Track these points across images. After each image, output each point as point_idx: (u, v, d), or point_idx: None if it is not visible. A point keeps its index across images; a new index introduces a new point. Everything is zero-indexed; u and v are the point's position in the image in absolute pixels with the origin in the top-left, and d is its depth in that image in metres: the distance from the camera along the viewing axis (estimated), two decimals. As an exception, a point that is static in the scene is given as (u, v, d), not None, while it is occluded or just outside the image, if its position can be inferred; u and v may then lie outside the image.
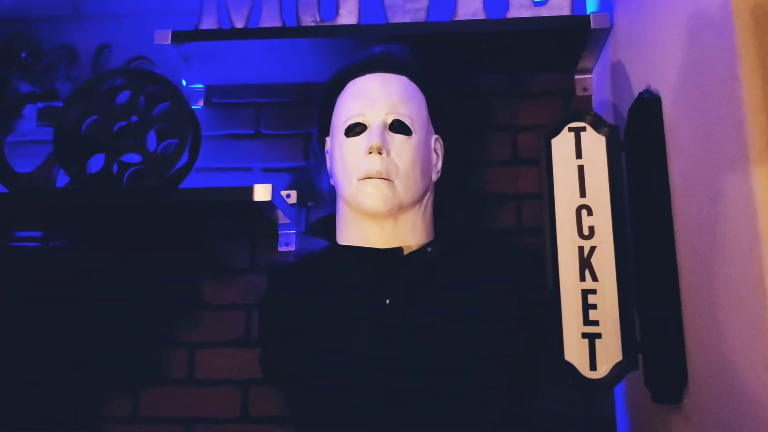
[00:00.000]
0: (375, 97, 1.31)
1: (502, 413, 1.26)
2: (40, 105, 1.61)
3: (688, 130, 1.05)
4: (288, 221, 1.58)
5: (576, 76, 1.66)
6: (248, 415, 1.56)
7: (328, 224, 1.40)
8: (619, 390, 1.46)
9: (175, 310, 1.62)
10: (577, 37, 1.50)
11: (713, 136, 0.95)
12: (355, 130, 1.31)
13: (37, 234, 1.70)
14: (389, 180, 1.27)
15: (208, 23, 1.57)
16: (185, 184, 1.53)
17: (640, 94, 1.19)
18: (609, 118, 1.42)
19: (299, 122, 1.71)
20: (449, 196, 1.43)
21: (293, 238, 1.63)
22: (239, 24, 1.56)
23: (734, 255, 0.90)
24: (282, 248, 1.63)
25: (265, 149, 1.71)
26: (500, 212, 1.63)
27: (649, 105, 1.15)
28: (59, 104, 1.57)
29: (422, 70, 1.37)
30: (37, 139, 1.68)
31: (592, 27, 1.45)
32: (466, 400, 1.22)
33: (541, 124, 1.64)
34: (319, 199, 1.65)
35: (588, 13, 1.57)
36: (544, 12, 1.51)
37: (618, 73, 1.43)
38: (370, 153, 1.26)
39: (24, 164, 1.59)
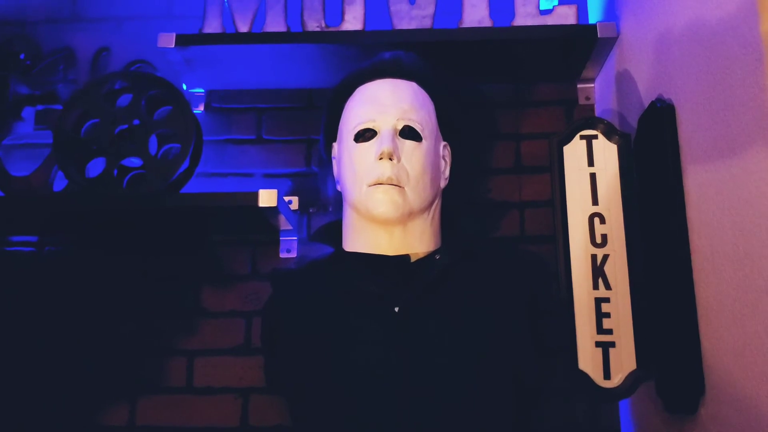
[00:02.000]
0: (386, 103, 1.30)
1: (511, 423, 1.24)
2: (39, 107, 1.58)
3: (705, 139, 1.05)
4: (290, 228, 1.56)
5: (579, 85, 1.66)
6: (248, 425, 1.54)
7: (333, 231, 1.39)
8: (624, 401, 1.46)
9: (173, 317, 1.60)
10: (582, 46, 1.50)
11: (735, 145, 0.95)
12: (365, 135, 1.30)
13: (33, 239, 1.66)
14: (400, 186, 1.25)
15: (212, 27, 1.55)
16: (185, 189, 1.51)
17: (653, 102, 1.19)
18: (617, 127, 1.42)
19: (301, 128, 1.70)
20: (456, 204, 1.43)
21: (295, 245, 1.61)
22: (243, 28, 1.55)
23: (753, 262, 0.90)
24: (283, 255, 1.61)
25: (266, 155, 1.69)
26: (503, 220, 1.62)
27: (662, 114, 1.15)
28: (59, 107, 1.54)
29: (432, 76, 1.36)
30: (34, 143, 1.66)
31: (598, 36, 1.45)
32: (476, 410, 1.21)
33: (544, 132, 1.64)
34: (321, 205, 1.64)
35: (592, 22, 1.58)
36: (549, 21, 1.51)
37: (624, 82, 1.43)
38: (381, 159, 1.25)
39: (20, 167, 1.56)
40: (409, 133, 1.29)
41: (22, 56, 1.61)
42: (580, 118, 1.39)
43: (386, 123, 1.28)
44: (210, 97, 1.73)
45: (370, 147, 1.28)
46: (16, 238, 1.66)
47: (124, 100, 1.50)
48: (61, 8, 1.80)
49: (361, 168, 1.28)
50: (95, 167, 1.48)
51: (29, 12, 1.79)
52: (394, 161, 1.25)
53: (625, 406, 1.47)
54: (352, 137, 1.30)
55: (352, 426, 1.21)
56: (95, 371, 1.56)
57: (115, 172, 1.46)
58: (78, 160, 1.47)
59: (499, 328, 1.25)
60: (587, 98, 1.66)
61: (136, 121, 1.47)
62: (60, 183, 1.54)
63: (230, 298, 1.61)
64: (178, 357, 1.58)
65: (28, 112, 1.58)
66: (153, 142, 1.48)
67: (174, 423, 1.54)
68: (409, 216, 1.27)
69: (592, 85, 1.66)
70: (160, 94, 1.49)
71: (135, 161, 1.47)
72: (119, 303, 1.60)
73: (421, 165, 1.28)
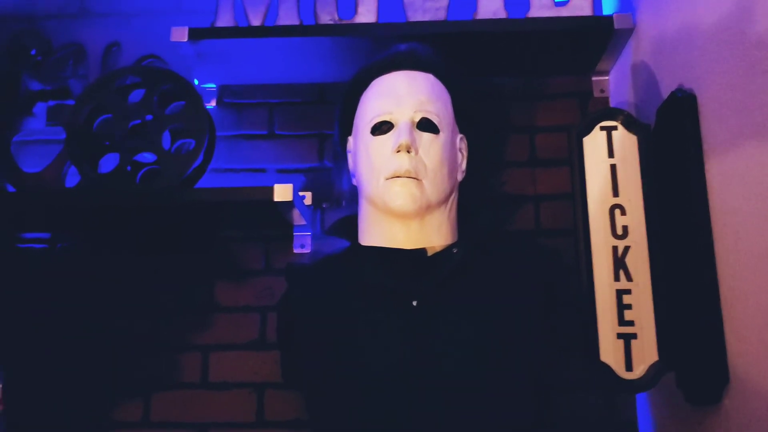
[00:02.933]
0: (402, 95, 1.28)
1: (531, 416, 1.24)
2: (51, 103, 1.57)
3: (728, 128, 1.04)
4: (304, 222, 1.55)
5: (593, 78, 1.65)
6: (264, 419, 1.53)
7: (349, 225, 1.38)
8: (641, 393, 1.45)
9: (187, 313, 1.59)
10: (598, 38, 1.49)
11: (760, 134, 0.94)
12: (382, 128, 1.28)
13: (45, 235, 1.65)
14: (417, 179, 1.24)
15: (225, 21, 1.54)
16: (199, 185, 1.50)
17: (673, 93, 1.18)
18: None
19: (314, 123, 1.69)
20: (473, 197, 1.42)
21: (309, 240, 1.61)
22: (256, 22, 1.54)
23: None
24: (297, 250, 1.60)
25: (278, 150, 1.68)
26: (518, 214, 1.61)
27: (684, 103, 1.14)
28: (71, 102, 1.54)
29: (448, 68, 1.35)
30: (46, 138, 1.65)
31: (615, 27, 1.44)
32: (495, 402, 1.20)
33: (559, 125, 1.64)
34: (335, 200, 1.63)
35: (607, 13, 1.57)
36: (564, 12, 1.50)
37: (641, 73, 1.42)
38: (399, 151, 1.24)
39: (32, 164, 1.55)
40: (426, 125, 1.28)
41: (33, 52, 1.60)
42: (599, 109, 1.37)
43: (403, 115, 1.27)
44: (222, 92, 1.72)
45: (387, 140, 1.27)
46: (28, 235, 1.66)
47: (137, 95, 1.49)
48: (70, 3, 1.79)
49: (378, 161, 1.27)
50: (108, 163, 1.47)
51: (39, 7, 1.78)
52: (412, 154, 1.24)
53: (642, 399, 1.46)
54: (369, 130, 1.29)
55: (370, 420, 1.21)
56: (110, 368, 1.56)
57: (129, 167, 1.45)
58: (91, 155, 1.46)
59: (516, 321, 1.24)
60: (602, 91, 1.65)
61: (149, 116, 1.46)
62: (72, 179, 1.53)
63: (244, 294, 1.60)
64: (193, 352, 1.58)
65: (39, 108, 1.57)
66: (166, 138, 1.47)
67: (189, 419, 1.54)
68: (426, 209, 1.26)
69: (607, 77, 1.65)
70: (172, 88, 1.48)
71: (148, 156, 1.46)
72: (133, 299, 1.60)
73: (438, 157, 1.27)
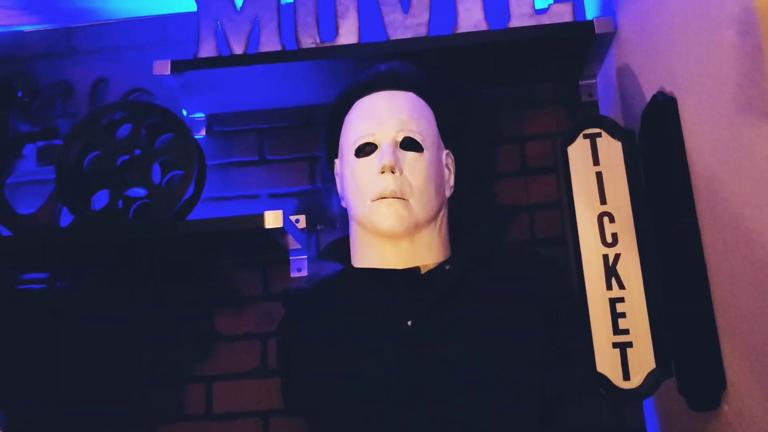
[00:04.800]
0: (384, 116, 1.28)
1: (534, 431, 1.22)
2: (39, 144, 1.58)
3: (708, 130, 1.03)
4: (299, 246, 1.55)
5: (581, 82, 1.64)
6: (270, 448, 1.52)
7: (341, 247, 1.38)
8: (648, 400, 1.43)
9: (188, 344, 1.60)
10: (581, 44, 1.49)
11: (737, 134, 0.93)
12: (366, 150, 1.28)
13: (43, 275, 1.66)
14: (404, 199, 1.24)
15: (207, 51, 1.55)
16: (192, 215, 1.51)
17: (655, 96, 1.17)
18: (618, 122, 1.40)
19: (303, 146, 1.69)
20: (464, 212, 1.41)
21: (305, 264, 1.60)
22: (238, 50, 1.54)
23: (767, 253, 0.88)
24: (294, 274, 1.60)
25: (270, 175, 1.68)
26: (512, 224, 1.60)
27: (665, 107, 1.13)
28: (59, 142, 1.55)
29: (429, 85, 1.35)
30: (38, 179, 1.66)
31: (596, 32, 1.43)
32: (496, 420, 1.19)
33: (549, 132, 1.63)
34: (329, 221, 1.63)
35: (589, 18, 1.56)
36: (546, 20, 1.49)
37: (625, 77, 1.41)
38: (383, 172, 1.24)
39: (26, 205, 1.57)
40: (410, 144, 1.27)
41: (20, 94, 1.61)
42: (581, 118, 1.37)
43: (386, 136, 1.27)
44: (211, 121, 1.73)
45: (371, 161, 1.27)
46: (27, 276, 1.66)
47: (125, 130, 1.50)
48: (57, 42, 1.80)
49: (364, 183, 1.27)
50: (101, 199, 1.48)
51: (26, 48, 1.80)
52: (397, 174, 1.24)
53: (649, 406, 1.44)
54: (353, 152, 1.29)
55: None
56: (114, 402, 1.56)
57: (120, 203, 1.46)
58: (82, 193, 1.46)
59: (515, 336, 1.23)
60: (590, 95, 1.64)
61: (137, 151, 1.47)
62: (66, 218, 1.54)
63: (244, 321, 1.60)
64: (196, 383, 1.58)
65: (29, 149, 1.58)
66: (156, 171, 1.48)
67: (195, 451, 1.54)
68: (415, 228, 1.26)
69: (594, 81, 1.64)
70: (159, 122, 1.49)
71: (139, 191, 1.47)
72: (134, 333, 1.60)
73: (424, 176, 1.26)
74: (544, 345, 1.24)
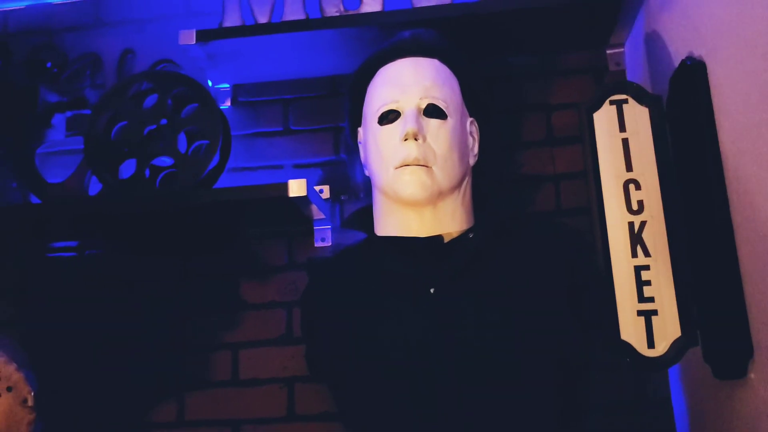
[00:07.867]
0: (407, 82, 1.27)
1: (557, 401, 1.22)
2: (68, 114, 1.60)
3: (737, 94, 1.01)
4: (323, 216, 1.56)
5: (608, 51, 1.61)
6: (295, 414, 1.54)
7: (365, 216, 1.38)
8: (674, 369, 1.42)
9: (215, 312, 1.61)
10: (608, 9, 1.46)
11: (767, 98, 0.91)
12: (389, 117, 1.28)
13: (73, 244, 1.69)
14: (427, 166, 1.23)
15: (232, 20, 1.55)
16: (217, 185, 1.52)
17: (683, 61, 1.15)
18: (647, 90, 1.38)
19: (328, 116, 1.69)
20: (487, 181, 1.40)
21: (329, 233, 1.61)
22: (263, 19, 1.54)
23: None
24: (318, 244, 1.61)
25: (294, 145, 1.69)
26: (537, 195, 1.59)
27: (693, 71, 1.11)
28: (87, 112, 1.56)
29: (453, 51, 1.34)
30: (67, 149, 1.69)
31: (624, -3, 1.41)
32: (519, 389, 1.19)
33: (575, 101, 1.60)
34: (353, 192, 1.63)
35: (618, -17, 1.53)
36: (573, -15, 1.47)
37: (654, 43, 1.38)
38: (406, 140, 1.23)
39: (55, 174, 1.59)
40: (433, 111, 1.26)
41: (49, 65, 1.63)
42: (608, 83, 1.35)
43: (409, 103, 1.26)
44: (236, 92, 1.73)
45: (394, 128, 1.26)
46: (57, 244, 1.69)
47: (151, 100, 1.51)
48: (85, 15, 1.82)
49: (387, 150, 1.26)
50: (128, 169, 1.50)
51: (55, 21, 1.82)
52: (420, 141, 1.23)
53: (674, 375, 1.43)
54: (376, 120, 1.29)
55: (395, 409, 1.21)
56: (142, 370, 1.59)
57: (147, 172, 1.48)
58: (110, 163, 1.48)
59: (538, 305, 1.23)
60: (617, 64, 1.61)
61: (163, 121, 1.48)
62: (95, 187, 1.56)
63: (270, 290, 1.62)
64: (223, 351, 1.60)
65: (58, 119, 1.61)
66: (182, 140, 1.49)
67: (222, 416, 1.56)
68: (438, 196, 1.25)
69: (622, 50, 1.61)
70: (185, 92, 1.50)
71: (166, 160, 1.48)
72: (162, 302, 1.62)
73: (447, 143, 1.26)
74: (567, 315, 1.23)
